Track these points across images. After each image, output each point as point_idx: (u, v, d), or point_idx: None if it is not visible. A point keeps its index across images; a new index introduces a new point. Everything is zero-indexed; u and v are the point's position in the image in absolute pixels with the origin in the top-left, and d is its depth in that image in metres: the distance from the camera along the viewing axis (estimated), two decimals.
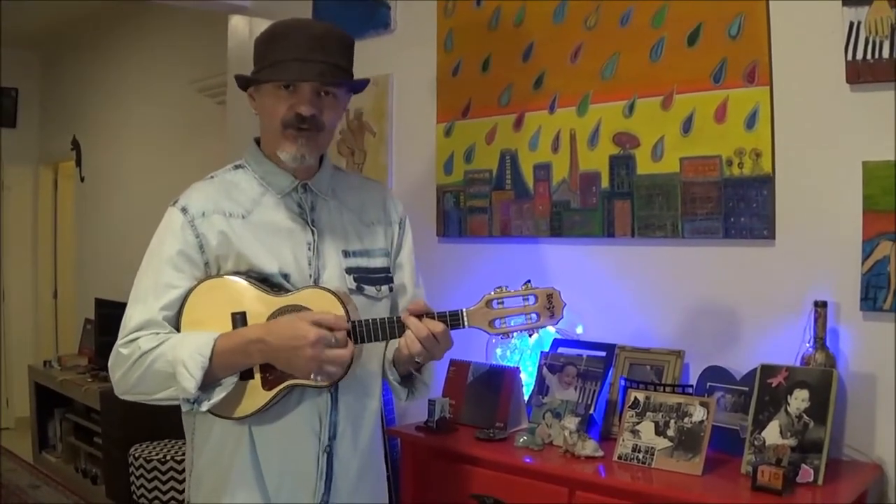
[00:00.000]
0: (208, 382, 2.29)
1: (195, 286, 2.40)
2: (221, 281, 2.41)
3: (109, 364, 2.41)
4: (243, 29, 5.56)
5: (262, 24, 5.19)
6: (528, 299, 2.38)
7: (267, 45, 2.44)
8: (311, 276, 2.47)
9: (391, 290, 2.65)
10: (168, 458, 5.24)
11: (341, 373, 2.33)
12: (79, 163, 9.18)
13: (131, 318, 2.38)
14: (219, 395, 2.31)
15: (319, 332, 2.23)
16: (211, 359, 2.27)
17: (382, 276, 2.63)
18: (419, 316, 2.36)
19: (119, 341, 2.37)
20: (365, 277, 2.57)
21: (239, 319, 2.37)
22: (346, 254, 2.55)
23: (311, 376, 2.29)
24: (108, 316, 6.90)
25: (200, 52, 6.88)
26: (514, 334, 2.43)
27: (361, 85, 2.57)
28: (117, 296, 6.78)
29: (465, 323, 2.37)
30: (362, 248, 2.60)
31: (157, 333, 2.35)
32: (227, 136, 5.65)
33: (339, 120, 2.61)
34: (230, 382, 2.33)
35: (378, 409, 2.68)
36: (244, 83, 2.53)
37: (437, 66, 4.28)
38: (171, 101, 7.52)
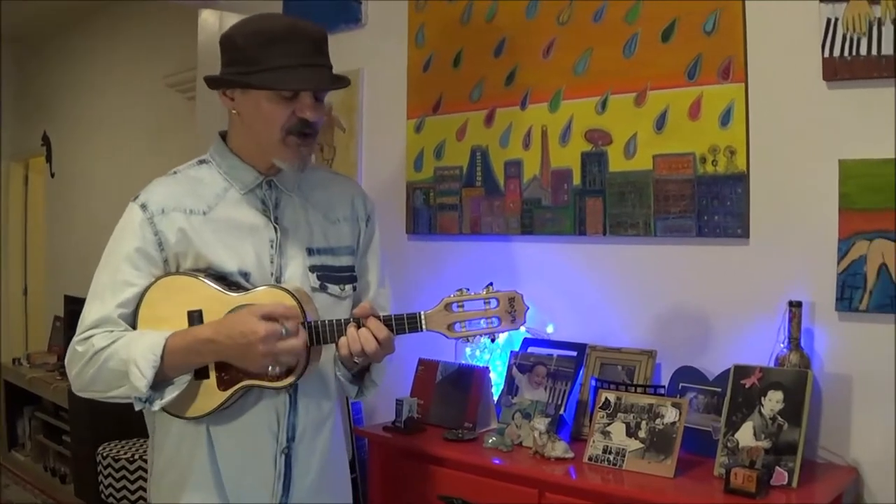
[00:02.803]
0: (161, 381, 2.28)
1: (152, 283, 2.38)
2: (179, 279, 2.39)
3: (66, 361, 2.41)
4: (213, 23, 5.51)
5: (233, 19, 5.17)
6: (489, 303, 2.33)
7: (259, 48, 2.34)
8: (272, 274, 2.45)
9: (355, 289, 2.63)
10: (136, 457, 5.20)
11: (297, 362, 2.30)
12: (49, 158, 9.13)
13: (88, 315, 2.39)
14: (171, 393, 2.30)
15: (268, 326, 2.20)
16: (163, 357, 2.24)
17: (347, 275, 2.60)
18: (364, 318, 2.33)
19: (75, 338, 2.37)
20: (329, 276, 2.54)
21: (196, 317, 2.35)
22: (310, 252, 2.52)
23: (269, 369, 2.26)
24: (78, 313, 6.75)
25: (170, 47, 6.86)
26: (475, 338, 2.38)
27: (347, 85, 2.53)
28: (87, 293, 6.73)
29: (423, 326, 2.33)
30: (327, 246, 2.57)
31: (112, 331, 2.34)
32: (196, 131, 5.61)
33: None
34: (183, 381, 2.31)
35: (340, 409, 2.66)
36: (233, 84, 2.41)
37: (407, 61, 4.23)
38: (142, 97, 7.49)
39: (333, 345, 2.38)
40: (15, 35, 9.17)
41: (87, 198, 8.34)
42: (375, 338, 2.30)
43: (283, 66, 2.32)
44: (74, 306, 7.10)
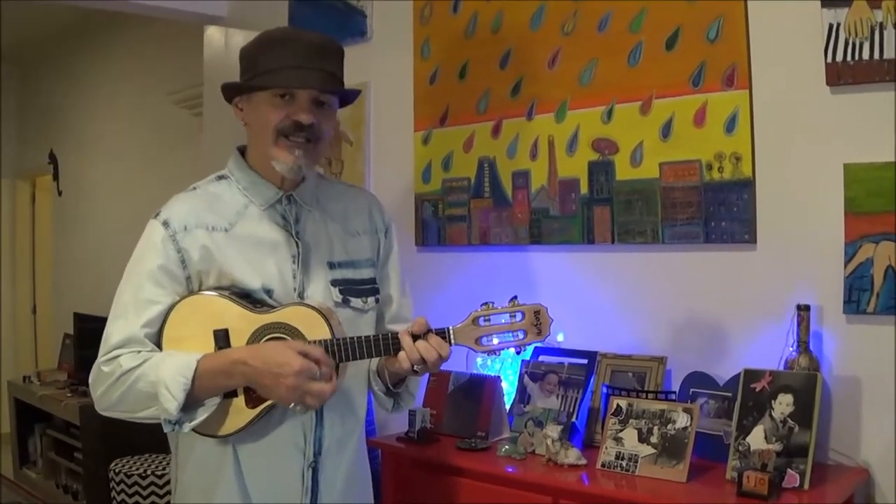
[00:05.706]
0: (191, 403, 2.26)
1: (177, 302, 2.36)
2: (203, 297, 2.37)
3: (90, 380, 2.36)
4: (219, 40, 5.52)
5: (238, 35, 5.22)
6: (514, 316, 2.34)
7: (260, 53, 2.38)
8: (295, 289, 2.43)
9: (377, 301, 2.62)
10: (149, 472, 5.19)
11: (318, 407, 2.32)
12: (56, 176, 9.12)
13: (112, 334, 2.33)
14: (201, 416, 2.28)
15: (305, 363, 2.19)
16: (193, 380, 2.23)
17: (369, 288, 2.59)
18: (422, 334, 2.33)
19: (100, 358, 2.33)
20: (351, 289, 2.53)
21: (221, 337, 2.33)
22: (331, 265, 2.51)
23: (291, 405, 2.25)
24: (87, 330, 6.86)
25: (176, 64, 6.86)
26: (501, 351, 2.41)
27: (354, 96, 2.53)
28: (96, 310, 6.76)
29: (452, 341, 2.34)
30: (348, 259, 2.56)
31: (139, 351, 2.30)
32: (203, 147, 5.62)
33: (333, 132, 2.56)
34: (213, 403, 2.30)
35: (363, 422, 2.65)
36: (235, 91, 2.45)
37: (414, 74, 4.26)
38: (148, 114, 7.48)
39: (364, 361, 2.39)
40: (17, 52, 9.20)
41: (93, 215, 8.35)
42: (437, 350, 2.31)
43: (276, 67, 2.34)
44: (84, 324, 7.13)
